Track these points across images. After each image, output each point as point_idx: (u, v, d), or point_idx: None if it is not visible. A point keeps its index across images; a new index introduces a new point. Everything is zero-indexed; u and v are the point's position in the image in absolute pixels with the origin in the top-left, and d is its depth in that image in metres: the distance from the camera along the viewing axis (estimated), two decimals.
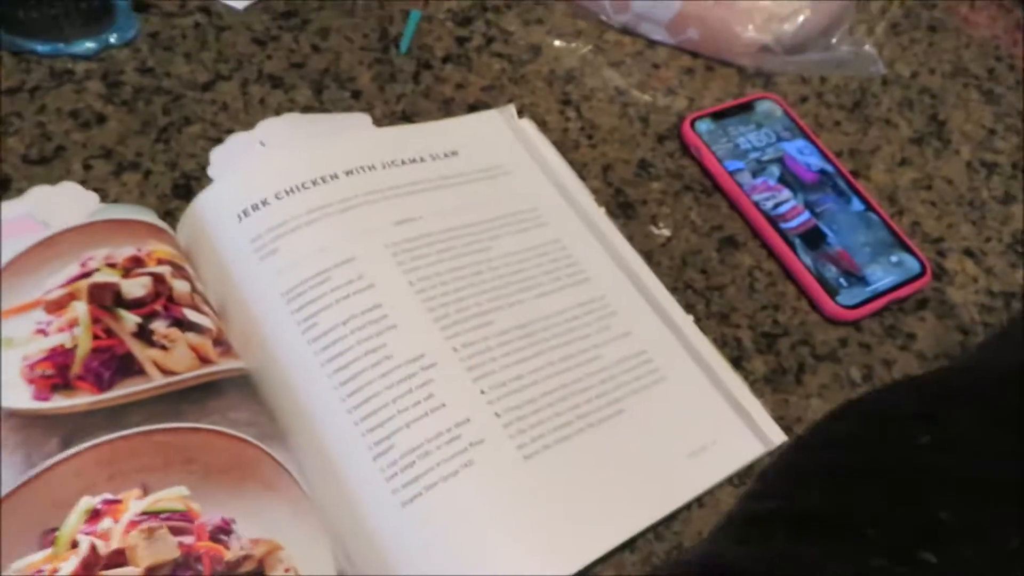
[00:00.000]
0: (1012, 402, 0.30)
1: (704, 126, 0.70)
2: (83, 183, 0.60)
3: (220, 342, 0.53)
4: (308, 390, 0.52)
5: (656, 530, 0.52)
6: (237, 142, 0.64)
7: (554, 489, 0.51)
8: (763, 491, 0.33)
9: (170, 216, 0.59)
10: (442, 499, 0.49)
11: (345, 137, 0.65)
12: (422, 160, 0.64)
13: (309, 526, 0.48)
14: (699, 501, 0.52)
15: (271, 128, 0.65)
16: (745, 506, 0.33)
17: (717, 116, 0.71)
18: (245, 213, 0.57)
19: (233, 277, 0.56)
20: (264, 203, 0.58)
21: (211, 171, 0.62)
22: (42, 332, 0.50)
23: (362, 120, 0.67)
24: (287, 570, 0.45)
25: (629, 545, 0.51)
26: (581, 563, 0.49)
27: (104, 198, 0.59)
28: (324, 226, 0.57)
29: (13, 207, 0.57)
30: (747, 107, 0.72)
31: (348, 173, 0.61)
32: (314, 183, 0.59)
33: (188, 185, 0.62)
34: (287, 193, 0.58)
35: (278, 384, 0.52)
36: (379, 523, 0.48)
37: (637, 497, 0.52)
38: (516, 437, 0.52)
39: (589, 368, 0.56)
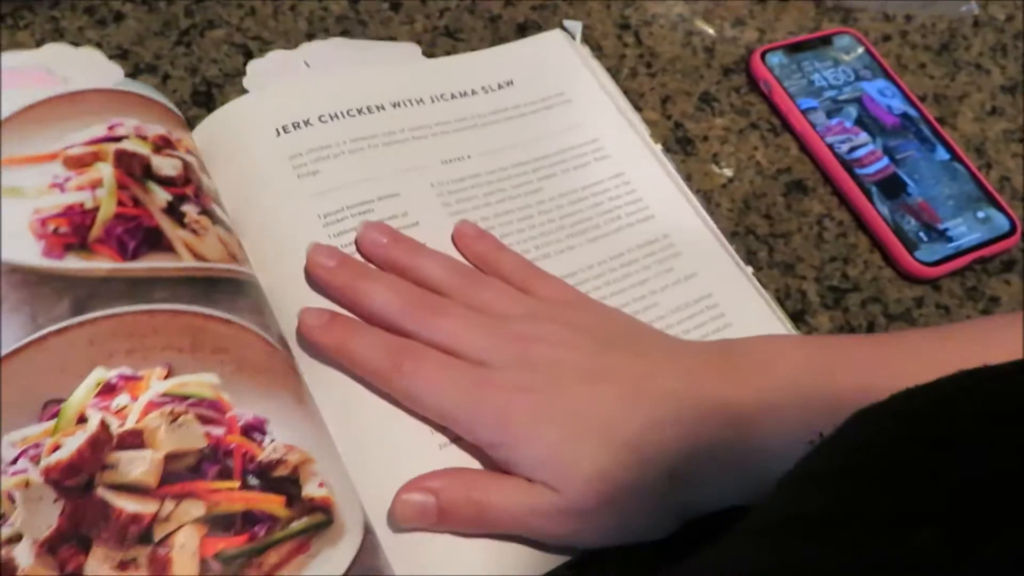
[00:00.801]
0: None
1: (776, 60, 0.67)
2: None
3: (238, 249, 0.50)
4: None
5: None
6: (278, 58, 0.61)
7: None
8: (775, 498, 0.33)
9: (188, 125, 0.56)
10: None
11: (394, 67, 0.63)
12: (473, 93, 0.62)
13: (332, 450, 0.44)
14: None
15: (316, 50, 0.62)
16: (755, 516, 0.33)
17: (791, 50, 0.68)
18: (284, 129, 0.55)
19: (261, 190, 0.53)
20: (306, 123, 0.56)
21: (247, 83, 0.60)
22: (58, 187, 0.46)
23: (412, 50, 0.64)
24: (321, 484, 0.41)
25: None
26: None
27: None
28: (368, 157, 0.56)
29: (23, 57, 0.53)
30: (824, 42, 0.69)
31: (395, 105, 0.59)
32: (359, 112, 0.58)
33: (209, 92, 0.58)
34: (331, 117, 0.57)
35: (301, 305, 0.49)
36: (415, 461, 0.46)
37: None
38: None
39: (644, 317, 0.53)
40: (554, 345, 0.46)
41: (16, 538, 0.37)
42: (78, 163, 0.47)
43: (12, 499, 0.37)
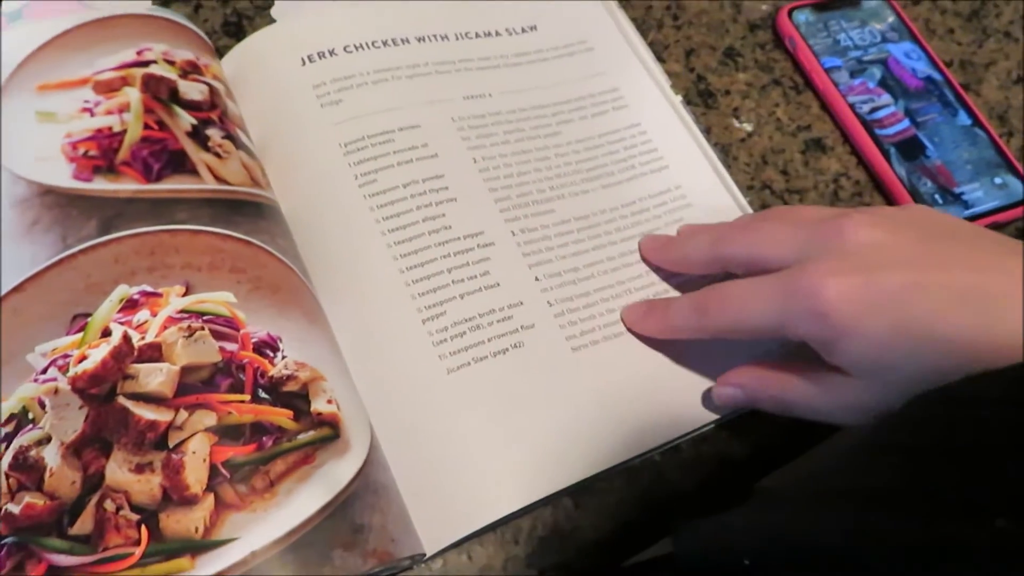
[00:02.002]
0: None
1: (803, 17, 0.68)
2: None
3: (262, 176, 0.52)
4: (361, 243, 0.51)
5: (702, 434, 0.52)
6: None
7: (598, 385, 0.51)
8: (835, 467, 0.34)
9: (217, 54, 0.58)
10: (489, 373, 0.49)
11: (420, 1, 0.64)
12: (497, 34, 0.63)
13: (343, 370, 0.47)
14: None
15: None
16: (815, 484, 0.34)
17: (818, 8, 0.69)
18: (310, 59, 0.57)
19: (286, 118, 0.55)
20: (331, 52, 0.58)
21: (275, 12, 0.61)
22: (88, 111, 0.49)
23: None
24: (330, 401, 0.44)
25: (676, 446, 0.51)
26: (617, 459, 0.49)
27: None
28: (391, 88, 0.57)
29: None
30: (852, 2, 0.70)
31: (420, 39, 0.61)
32: (384, 44, 0.59)
33: (239, 23, 0.60)
34: (356, 48, 0.58)
35: (324, 231, 0.52)
36: (422, 384, 0.48)
37: (687, 403, 0.51)
38: (566, 328, 0.52)
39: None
40: (871, 227, 0.44)
41: (45, 440, 0.40)
42: (107, 88, 0.49)
43: (42, 405, 0.41)
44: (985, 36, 0.73)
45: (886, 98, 0.66)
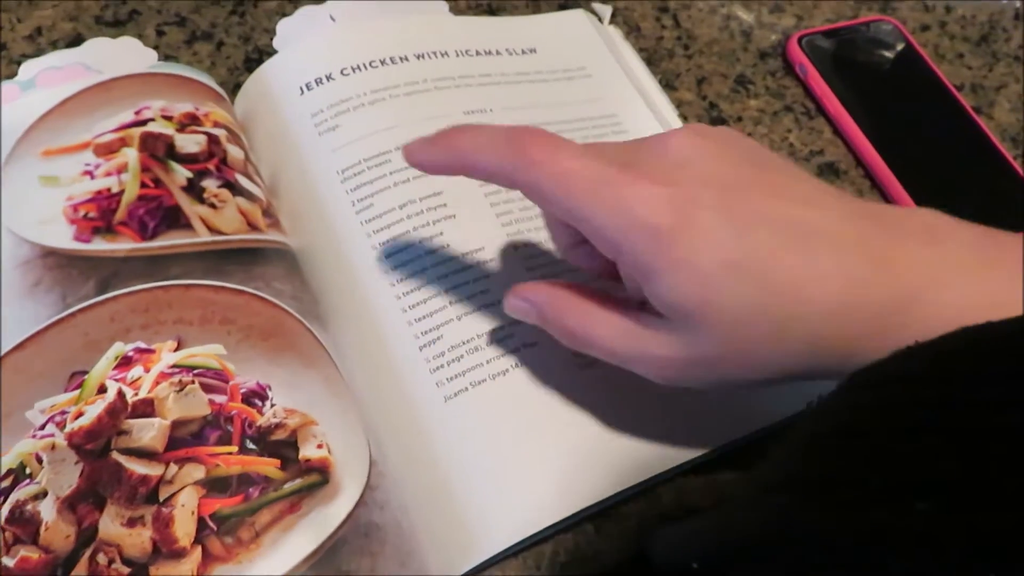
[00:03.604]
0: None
1: (813, 44, 0.68)
2: (155, 48, 0.60)
3: (269, 214, 0.53)
4: (357, 272, 0.51)
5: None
6: (305, 15, 0.64)
7: (608, 404, 0.48)
8: (772, 461, 0.33)
9: (239, 89, 0.59)
10: (488, 398, 0.48)
11: (419, 20, 0.64)
12: (498, 53, 0.63)
13: (344, 408, 0.47)
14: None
15: (342, 4, 0.65)
16: (759, 479, 0.33)
17: (828, 36, 0.69)
18: (308, 87, 0.57)
19: (289, 151, 0.56)
20: (328, 78, 0.57)
21: (277, 42, 0.62)
22: (89, 174, 0.50)
23: (438, 7, 0.66)
24: (320, 446, 0.45)
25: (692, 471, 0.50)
26: (630, 482, 0.47)
27: None
28: (388, 107, 0.57)
29: (64, 55, 0.57)
30: (862, 29, 0.70)
31: (419, 57, 0.60)
32: (382, 63, 0.59)
33: (260, 59, 0.61)
34: (353, 70, 0.58)
35: (326, 263, 0.52)
36: (420, 415, 0.47)
37: (707, 420, 0.49)
38: None
39: None
40: (716, 160, 0.39)
41: (41, 495, 0.41)
42: (107, 150, 0.51)
43: (39, 460, 0.42)
44: (995, 60, 0.72)
45: None
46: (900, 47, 0.69)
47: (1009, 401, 0.27)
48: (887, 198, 0.63)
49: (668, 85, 0.65)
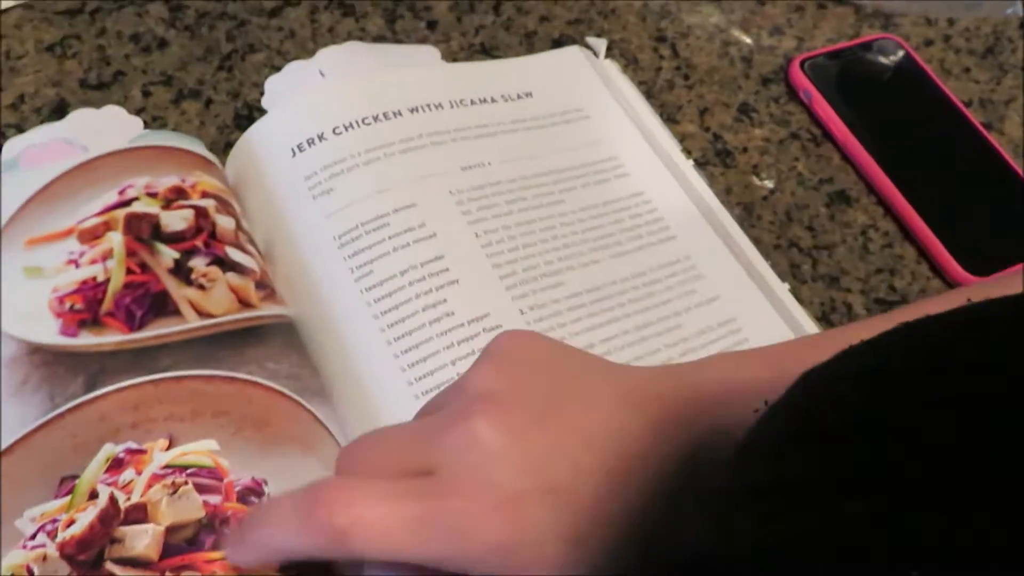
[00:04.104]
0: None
1: (816, 67, 0.66)
2: (141, 110, 0.58)
3: (263, 285, 0.51)
4: (358, 344, 0.49)
5: None
6: (295, 71, 0.62)
7: None
8: (723, 470, 0.32)
9: (230, 148, 0.58)
10: None
11: (411, 71, 0.62)
12: (493, 101, 0.61)
13: None
14: None
15: (332, 57, 0.62)
16: (703, 492, 0.32)
17: (831, 57, 0.67)
18: (300, 148, 0.55)
19: (283, 216, 0.54)
20: (321, 138, 0.55)
21: (266, 102, 0.60)
22: (74, 263, 0.48)
23: (430, 53, 0.64)
24: None
25: None
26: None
27: (163, 127, 0.58)
28: (384, 167, 0.55)
29: (49, 130, 0.55)
30: (865, 48, 0.67)
31: (412, 111, 0.58)
32: (375, 119, 0.57)
33: (250, 116, 0.60)
34: (346, 128, 0.56)
35: (324, 335, 0.50)
36: None
37: None
38: None
39: (668, 338, 0.53)
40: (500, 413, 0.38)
41: None
42: (91, 236, 0.49)
43: (31, 572, 0.40)
44: (1003, 72, 0.70)
45: None
46: (905, 66, 0.67)
47: (939, 399, 0.26)
48: (901, 224, 0.61)
49: (670, 119, 0.64)
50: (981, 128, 0.65)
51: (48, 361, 0.45)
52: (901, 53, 0.68)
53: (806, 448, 0.28)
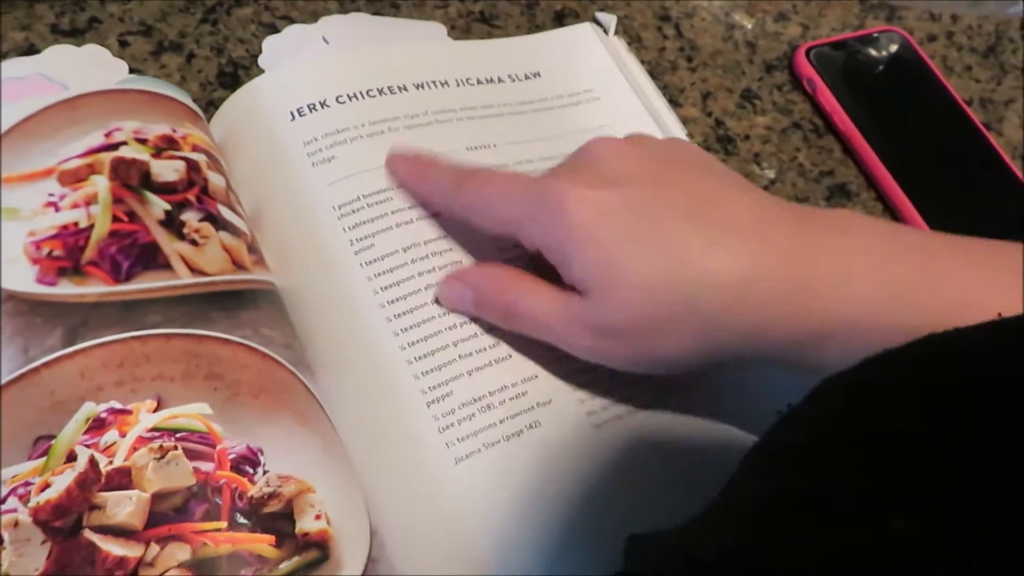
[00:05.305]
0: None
1: (821, 57, 0.64)
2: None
3: (253, 250, 0.47)
4: (355, 319, 0.46)
5: None
6: (296, 34, 0.58)
7: (624, 466, 0.45)
8: (740, 474, 0.32)
9: (212, 107, 0.54)
10: (501, 460, 0.44)
11: (418, 46, 0.59)
12: (500, 81, 0.58)
13: (342, 471, 0.42)
14: None
15: (336, 25, 0.59)
16: (727, 491, 0.32)
17: (836, 47, 0.64)
18: (300, 112, 0.52)
19: (278, 181, 0.50)
20: (323, 104, 0.52)
21: (263, 61, 0.57)
22: (53, 206, 0.44)
23: (437, 30, 0.61)
24: (318, 517, 0.40)
25: None
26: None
27: None
28: (388, 141, 0.52)
29: (21, 64, 0.51)
30: (870, 40, 0.65)
31: (419, 86, 0.55)
32: (380, 92, 0.54)
33: (235, 74, 0.56)
34: (350, 98, 0.53)
35: (320, 305, 0.47)
36: (427, 477, 0.43)
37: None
38: (587, 402, 0.46)
39: None
40: (617, 151, 0.44)
41: None
42: (73, 177, 0.44)
43: (0, 540, 0.36)
44: (1003, 73, 0.69)
45: None
46: (909, 60, 0.66)
47: (978, 410, 0.26)
48: (899, 220, 0.59)
49: (672, 101, 0.61)
50: (982, 127, 0.63)
51: (23, 311, 0.41)
52: (906, 47, 0.66)
53: (834, 459, 0.28)
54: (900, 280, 0.38)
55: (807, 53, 0.63)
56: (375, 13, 0.60)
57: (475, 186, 0.46)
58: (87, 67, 0.52)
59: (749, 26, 0.66)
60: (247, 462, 0.39)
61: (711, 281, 0.39)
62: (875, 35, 0.66)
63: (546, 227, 0.42)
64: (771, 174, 0.60)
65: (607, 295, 0.41)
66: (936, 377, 0.28)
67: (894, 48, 0.66)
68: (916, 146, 0.62)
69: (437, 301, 0.47)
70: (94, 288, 0.42)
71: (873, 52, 0.65)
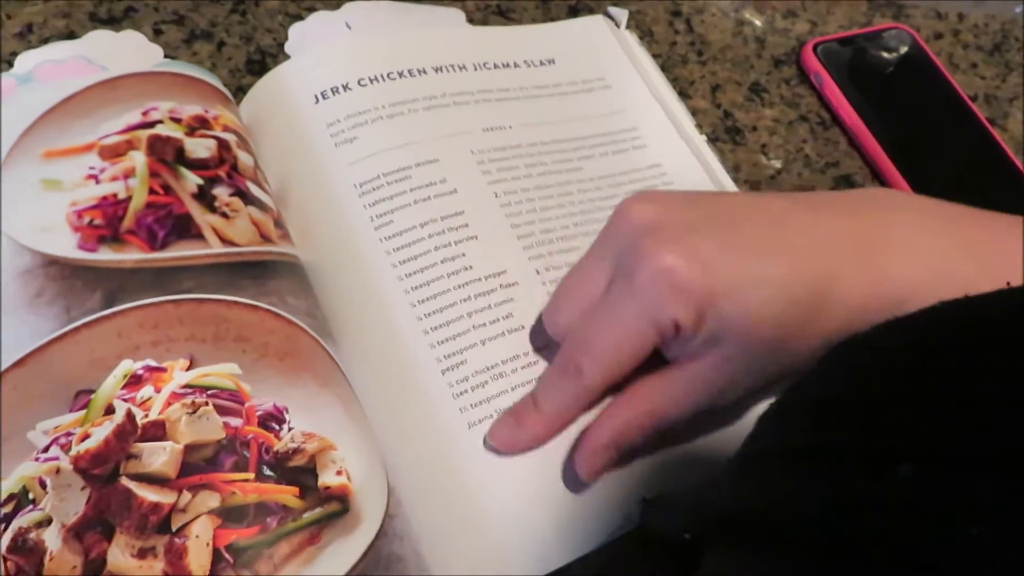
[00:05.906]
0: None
1: (828, 52, 0.65)
2: None
3: (279, 225, 0.49)
4: (375, 291, 0.48)
5: None
6: (320, 20, 0.61)
7: None
8: (756, 433, 0.33)
9: (241, 93, 0.56)
10: None
11: (437, 31, 0.61)
12: (516, 66, 0.60)
13: (362, 432, 0.44)
14: None
15: (358, 11, 0.61)
16: (744, 449, 0.33)
17: (843, 43, 0.66)
18: (323, 95, 0.54)
19: (302, 160, 0.53)
20: (346, 87, 0.54)
21: (289, 47, 0.59)
22: (94, 178, 0.47)
23: (456, 16, 0.63)
24: (339, 472, 0.42)
25: None
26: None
27: None
28: (407, 121, 0.54)
29: (65, 47, 0.53)
30: (877, 37, 0.67)
31: (437, 70, 0.57)
32: (400, 75, 0.56)
33: (263, 62, 0.58)
34: (371, 81, 0.55)
35: (341, 279, 0.49)
36: (442, 441, 0.45)
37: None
38: None
39: None
40: (645, 202, 0.43)
41: (46, 522, 0.38)
42: (112, 152, 0.47)
43: (43, 485, 0.38)
44: (1008, 70, 0.70)
45: None
46: (916, 57, 0.67)
47: (989, 369, 0.26)
48: None
49: (682, 93, 0.63)
50: (987, 124, 0.64)
51: (65, 275, 0.43)
52: (913, 44, 0.67)
53: (846, 416, 0.28)
54: (958, 246, 0.41)
55: (815, 49, 0.65)
56: None
57: (587, 357, 0.43)
58: (125, 51, 0.54)
59: (758, 22, 0.68)
60: (273, 419, 0.42)
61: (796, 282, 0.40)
62: (882, 32, 0.67)
63: (675, 303, 0.40)
64: (777, 164, 0.61)
65: (725, 351, 0.40)
66: (946, 339, 0.29)
67: (901, 45, 0.67)
68: (921, 141, 0.63)
69: (454, 274, 0.49)
70: (132, 255, 0.44)
71: (880, 49, 0.67)
